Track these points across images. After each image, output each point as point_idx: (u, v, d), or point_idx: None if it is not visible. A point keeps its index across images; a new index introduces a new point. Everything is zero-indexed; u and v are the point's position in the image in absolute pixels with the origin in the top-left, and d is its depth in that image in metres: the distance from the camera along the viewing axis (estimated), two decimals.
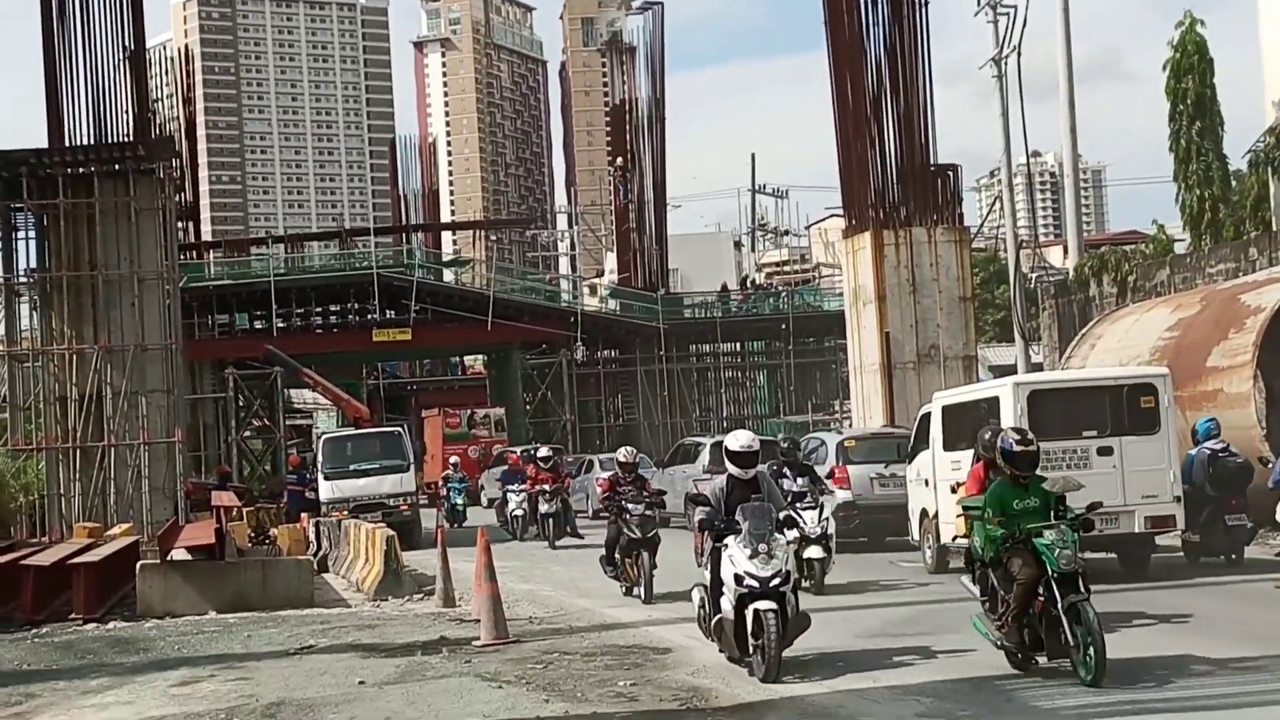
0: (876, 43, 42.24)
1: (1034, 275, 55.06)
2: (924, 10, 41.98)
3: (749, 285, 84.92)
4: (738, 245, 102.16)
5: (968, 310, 42.09)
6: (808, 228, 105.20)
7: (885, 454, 30.90)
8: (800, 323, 73.04)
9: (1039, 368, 49.16)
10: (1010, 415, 21.92)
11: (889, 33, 41.98)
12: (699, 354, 77.05)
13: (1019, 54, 48.14)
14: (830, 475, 29.42)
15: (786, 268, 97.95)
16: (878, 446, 31.82)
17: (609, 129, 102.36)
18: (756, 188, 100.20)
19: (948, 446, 24.23)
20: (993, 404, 23.13)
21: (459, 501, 44.29)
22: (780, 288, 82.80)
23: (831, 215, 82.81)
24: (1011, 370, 54.18)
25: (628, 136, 79.68)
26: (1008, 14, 48.22)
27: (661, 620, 20.13)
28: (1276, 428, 25.31)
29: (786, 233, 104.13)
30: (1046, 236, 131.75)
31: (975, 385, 30.40)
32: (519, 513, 38.01)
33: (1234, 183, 42.32)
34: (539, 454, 37.43)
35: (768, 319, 74.96)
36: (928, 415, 25.64)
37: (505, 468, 42.93)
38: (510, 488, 38.93)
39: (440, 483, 47.76)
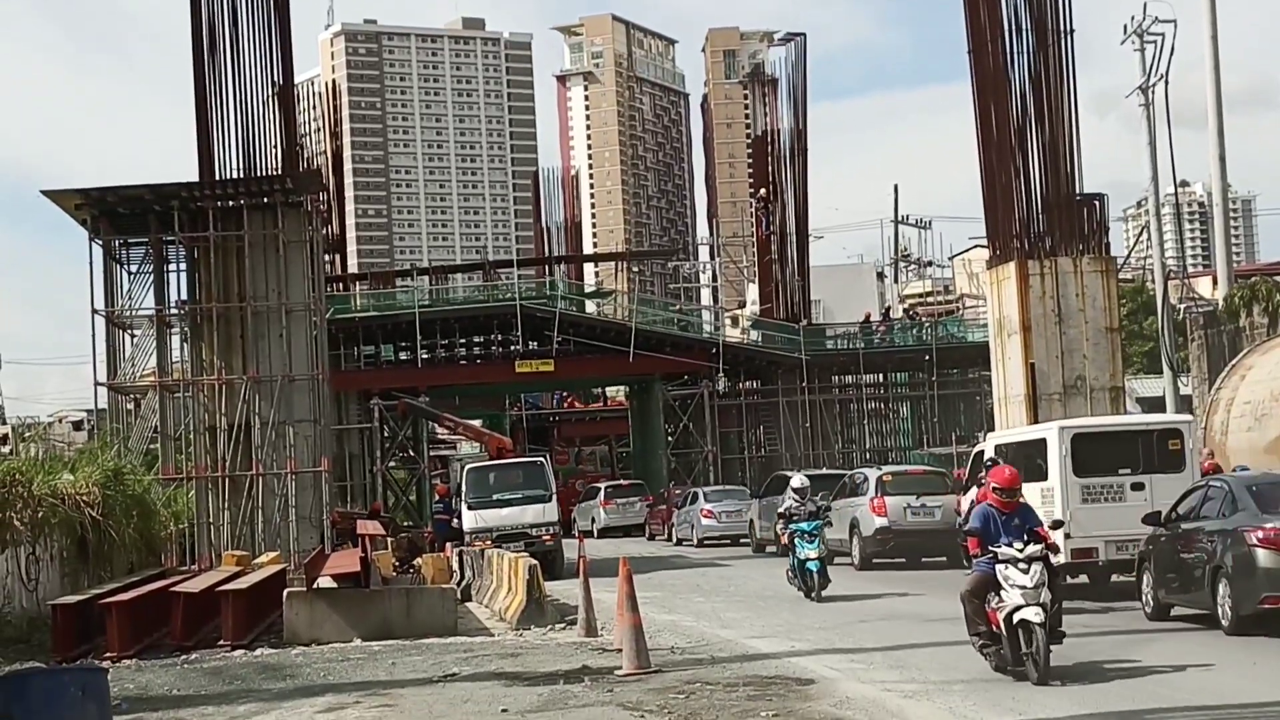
0: (1021, 71, 41.78)
1: (1182, 306, 54.29)
2: (1069, 38, 41.49)
3: (890, 316, 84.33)
4: (880, 276, 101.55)
5: (1114, 341, 41.48)
6: (951, 258, 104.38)
7: (918, 487, 37.37)
8: (943, 354, 72.45)
9: (1188, 400, 48.44)
10: (1055, 455, 25.58)
11: (1033, 61, 41.52)
12: (841, 385, 76.57)
13: (1166, 82, 47.60)
14: (871, 504, 36.52)
15: (930, 299, 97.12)
16: (911, 481, 38.17)
17: (750, 160, 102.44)
18: (899, 218, 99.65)
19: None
20: (1040, 445, 26.42)
21: None
22: (924, 319, 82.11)
23: (975, 246, 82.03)
24: (1161, 402, 53.46)
25: (769, 168, 79.47)
26: (1155, 41, 47.74)
27: (805, 651, 20.10)
28: None
29: (930, 263, 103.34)
30: (1195, 267, 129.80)
31: (1025, 428, 34.15)
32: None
33: None
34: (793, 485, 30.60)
35: (911, 350, 74.42)
36: (981, 454, 29.38)
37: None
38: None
39: None
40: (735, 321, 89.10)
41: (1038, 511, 24.52)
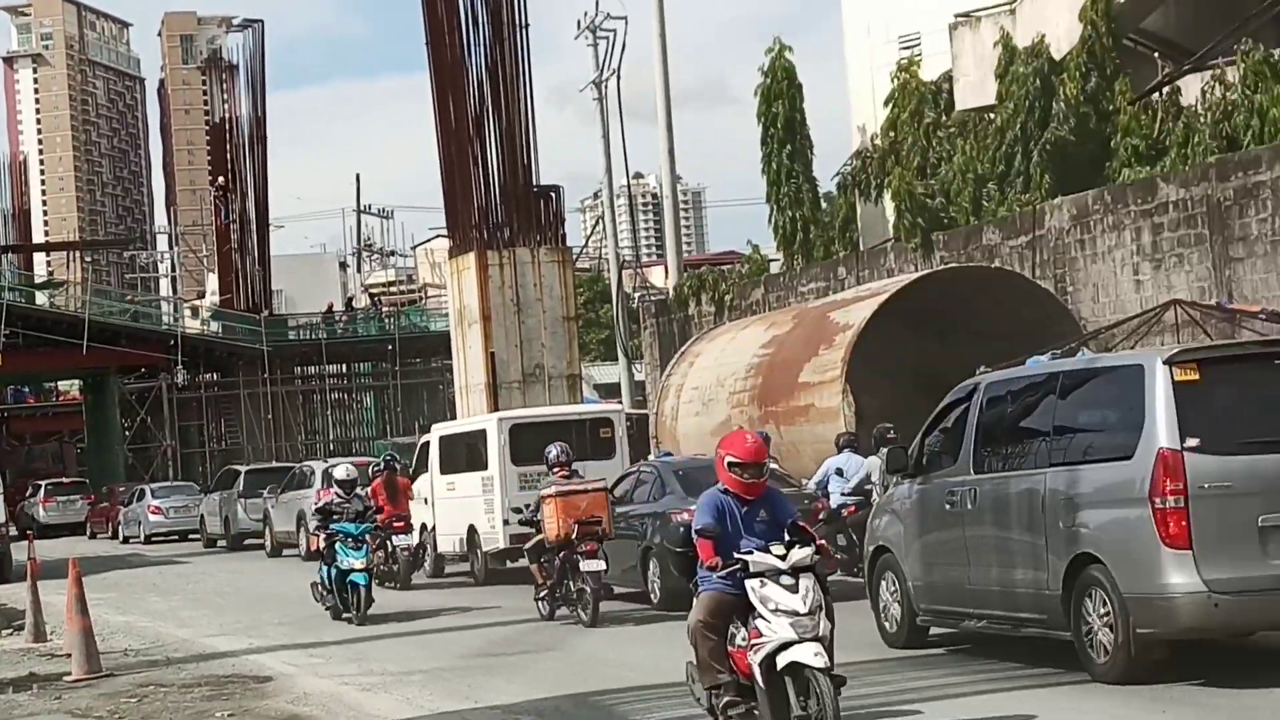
0: (479, 63, 42.30)
1: (636, 295, 56.05)
2: (525, 32, 42.21)
3: (353, 306, 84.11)
4: (343, 266, 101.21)
5: (571, 330, 42.46)
6: (414, 248, 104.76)
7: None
8: (407, 343, 72.72)
9: (642, 386, 50.05)
10: (495, 445, 26.39)
11: (490, 53, 42.07)
12: (304, 376, 76.07)
13: (619, 77, 49.10)
14: (317, 495, 33.66)
15: (393, 288, 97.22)
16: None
17: (210, 148, 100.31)
18: (362, 208, 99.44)
19: (444, 470, 28.83)
20: (481, 435, 27.53)
21: None
22: (387, 308, 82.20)
23: (437, 236, 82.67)
24: (617, 388, 55.07)
25: (228, 155, 78.18)
26: (608, 37, 49.14)
27: (264, 648, 19.85)
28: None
29: (393, 253, 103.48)
30: (649, 256, 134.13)
31: (468, 420, 34.83)
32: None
33: (823, 204, 43.73)
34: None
35: (374, 340, 74.47)
36: (428, 444, 30.05)
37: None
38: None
39: None
40: (195, 312, 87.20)
41: (478, 501, 25.23)
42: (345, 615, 22.05)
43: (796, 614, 10.75)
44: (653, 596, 21.28)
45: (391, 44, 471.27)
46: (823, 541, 11.36)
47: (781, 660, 10.72)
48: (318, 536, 23.27)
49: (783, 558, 10.95)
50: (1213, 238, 27.43)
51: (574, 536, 20.26)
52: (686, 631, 11.36)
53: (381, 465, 30.09)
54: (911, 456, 15.62)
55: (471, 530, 27.43)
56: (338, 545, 22.11)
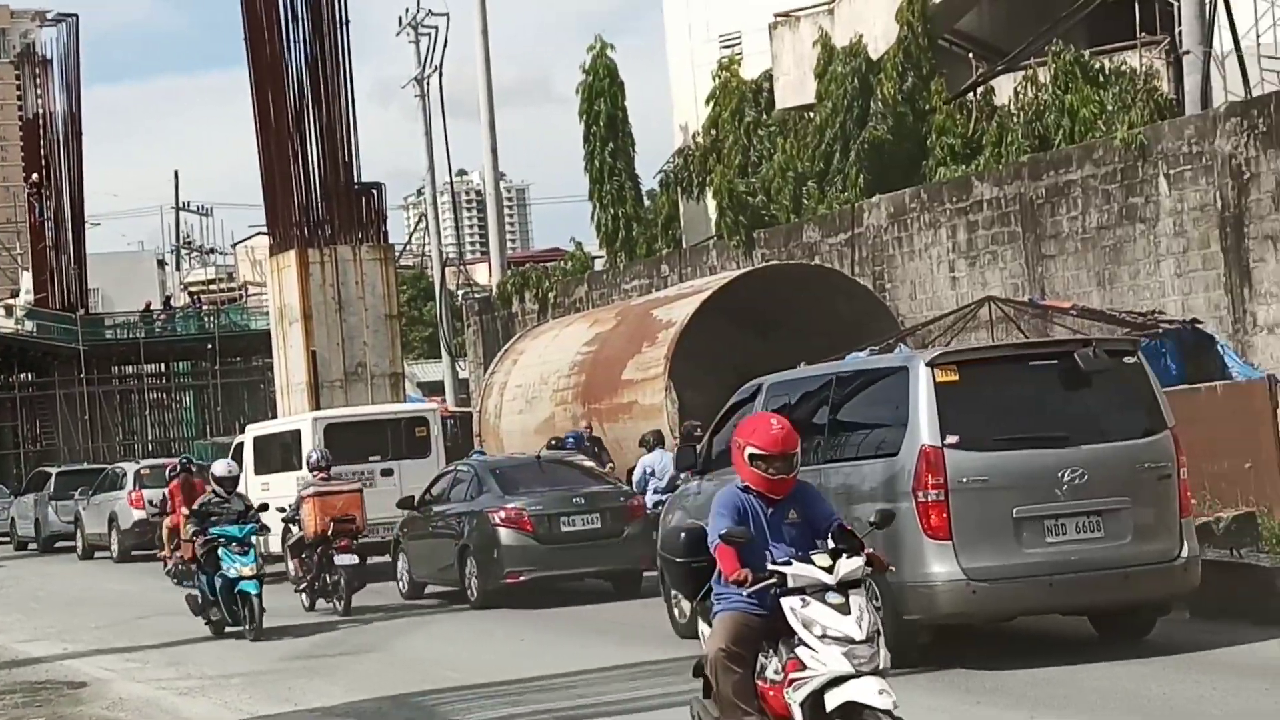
0: (299, 59, 41.83)
1: (460, 292, 55.85)
2: (345, 28, 41.73)
3: (172, 304, 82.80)
4: (161, 264, 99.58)
5: (394, 328, 42.12)
6: (234, 245, 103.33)
7: None
8: (227, 342, 71.67)
9: (465, 384, 49.88)
10: (309, 444, 26.15)
11: (310, 49, 41.61)
12: (122, 376, 74.76)
13: (441, 74, 48.90)
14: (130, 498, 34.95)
15: (213, 286, 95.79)
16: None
17: (23, 144, 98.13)
18: (180, 205, 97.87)
19: (258, 471, 28.66)
20: (295, 435, 27.79)
21: None
22: (206, 306, 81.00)
23: (258, 233, 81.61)
24: (441, 386, 54.83)
25: (42, 152, 76.63)
26: (430, 34, 48.93)
27: (79, 653, 19.53)
28: None
29: (212, 251, 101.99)
30: (473, 254, 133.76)
31: (282, 420, 34.62)
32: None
33: (646, 202, 43.92)
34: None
35: (193, 339, 73.31)
36: (241, 444, 30.15)
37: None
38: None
39: None
40: (9, 311, 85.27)
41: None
42: (234, 629, 19.98)
43: (851, 641, 8.68)
44: (470, 594, 21.46)
45: (210, 39, 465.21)
46: (872, 550, 9.25)
47: (833, 699, 8.63)
48: (193, 543, 21.34)
49: (829, 570, 8.88)
50: (1025, 235, 27.98)
51: (330, 533, 21.66)
52: (700, 664, 9.29)
53: (178, 467, 30.23)
54: (700, 454, 16.01)
55: (286, 530, 26.59)
56: (221, 551, 19.90)
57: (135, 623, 22.37)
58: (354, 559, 21.63)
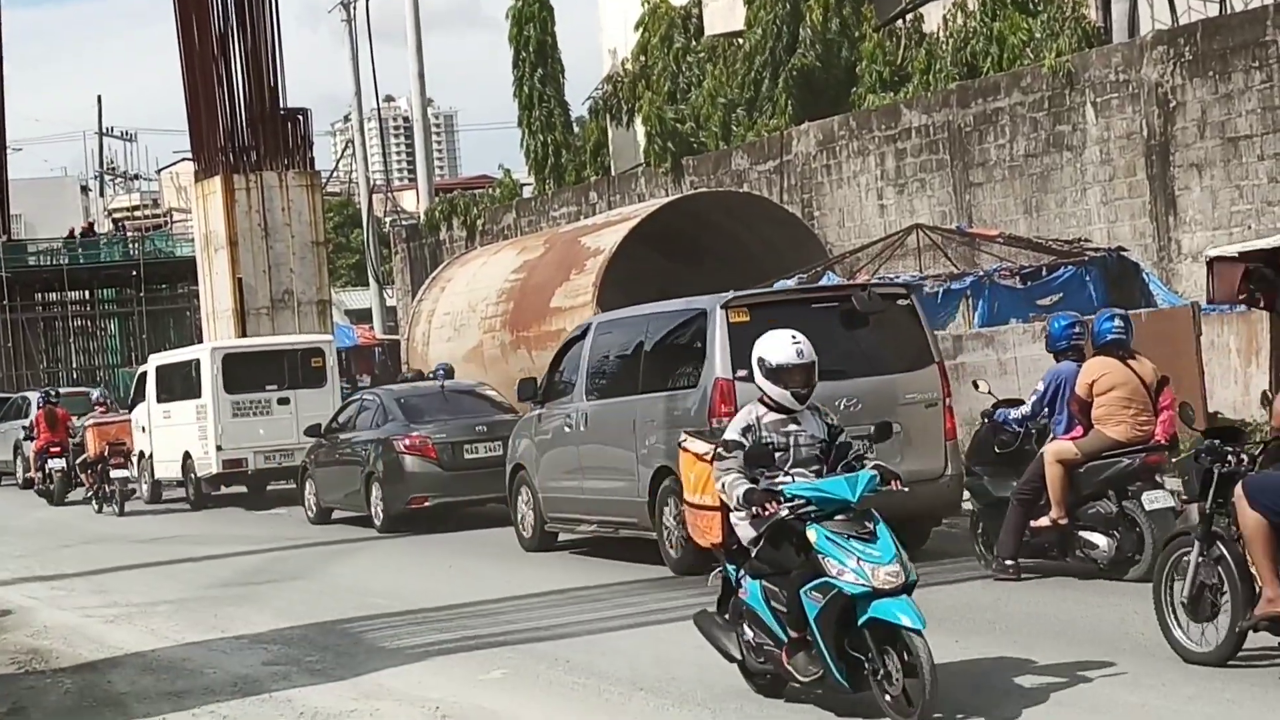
0: None
1: (388, 219, 55.58)
2: None
3: (96, 231, 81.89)
4: (85, 190, 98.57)
5: (321, 255, 41.80)
6: (159, 171, 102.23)
7: (84, 408, 35.29)
8: (152, 269, 70.93)
9: (393, 311, 49.69)
10: (208, 374, 28.00)
11: None
12: (45, 303, 73.99)
13: None
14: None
15: (138, 213, 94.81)
16: (80, 402, 37.24)
17: None
18: (104, 130, 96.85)
19: (160, 399, 30.17)
20: (195, 365, 29.12)
21: None
22: (131, 233, 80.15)
23: (183, 159, 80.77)
24: (369, 314, 54.63)
25: None
26: None
27: (3, 581, 19.37)
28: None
29: (137, 176, 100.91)
30: (401, 181, 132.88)
31: (181, 350, 35.69)
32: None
33: (575, 129, 43.73)
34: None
35: (118, 265, 72.47)
36: (145, 374, 31.47)
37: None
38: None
39: None
40: None
41: (193, 429, 28.47)
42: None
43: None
44: (375, 519, 22.20)
45: None
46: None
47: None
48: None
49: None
50: (954, 163, 28.03)
51: (106, 454, 28.20)
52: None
53: (41, 399, 33.83)
54: (541, 385, 17.89)
55: (186, 457, 28.84)
56: None
57: (59, 550, 22.22)
58: (126, 473, 28.23)
